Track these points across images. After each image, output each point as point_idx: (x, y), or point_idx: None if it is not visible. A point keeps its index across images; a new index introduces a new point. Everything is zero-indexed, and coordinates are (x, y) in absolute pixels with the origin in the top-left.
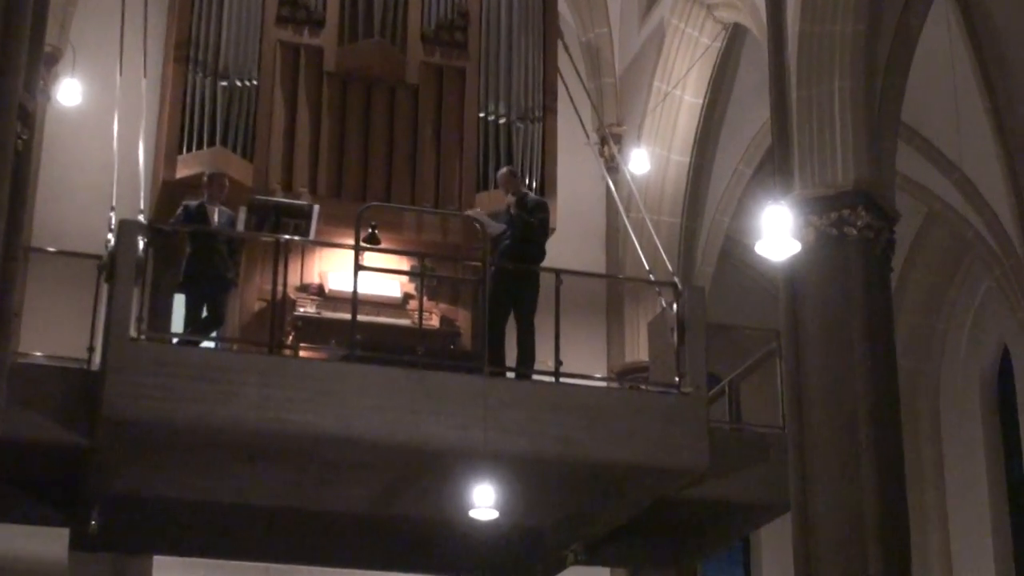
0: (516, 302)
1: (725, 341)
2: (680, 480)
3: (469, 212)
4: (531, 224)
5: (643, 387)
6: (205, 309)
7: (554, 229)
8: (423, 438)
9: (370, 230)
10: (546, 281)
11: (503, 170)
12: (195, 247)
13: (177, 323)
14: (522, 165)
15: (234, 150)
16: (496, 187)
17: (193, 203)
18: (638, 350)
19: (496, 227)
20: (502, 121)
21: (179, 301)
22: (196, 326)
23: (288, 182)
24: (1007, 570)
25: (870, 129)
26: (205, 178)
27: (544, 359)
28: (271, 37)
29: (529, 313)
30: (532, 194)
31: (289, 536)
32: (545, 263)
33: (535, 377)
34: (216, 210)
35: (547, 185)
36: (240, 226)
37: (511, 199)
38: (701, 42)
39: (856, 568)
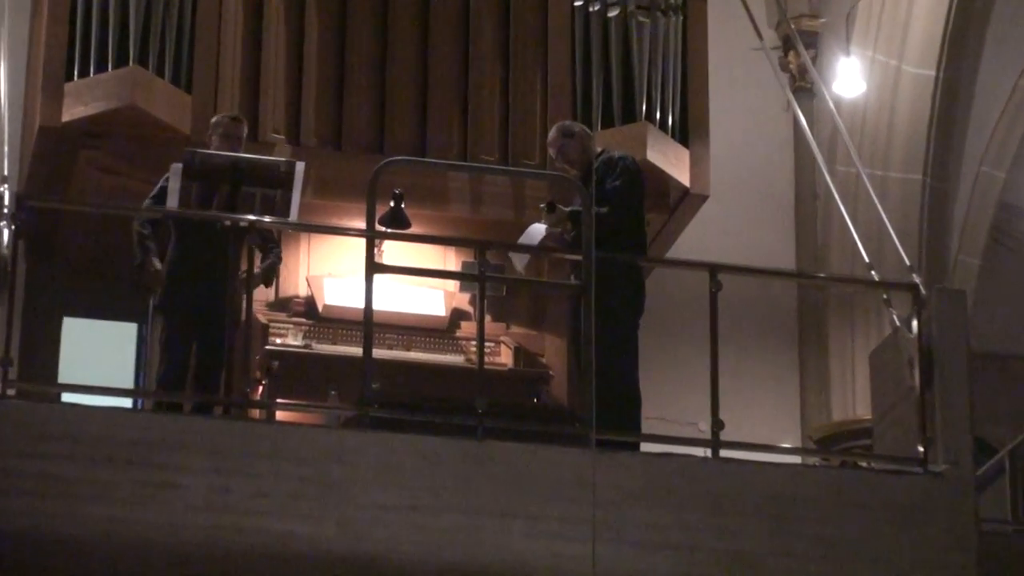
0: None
1: (1003, 382)
2: None
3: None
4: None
5: (863, 464)
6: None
7: (705, 197)
8: (490, 557)
9: (393, 204)
10: (695, 282)
11: (552, 130)
12: (184, 236)
13: (115, 370)
14: (648, 88)
15: (159, 72)
16: (617, 123)
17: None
18: (853, 400)
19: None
20: (613, 13)
21: (97, 331)
22: (170, 376)
23: (252, 124)
24: None
25: None
26: (214, 121)
27: (694, 417)
28: None
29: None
30: (613, 153)
31: None
32: (694, 254)
33: (679, 450)
34: None
35: (692, 122)
36: (170, 200)
37: (573, 175)
38: None
39: None
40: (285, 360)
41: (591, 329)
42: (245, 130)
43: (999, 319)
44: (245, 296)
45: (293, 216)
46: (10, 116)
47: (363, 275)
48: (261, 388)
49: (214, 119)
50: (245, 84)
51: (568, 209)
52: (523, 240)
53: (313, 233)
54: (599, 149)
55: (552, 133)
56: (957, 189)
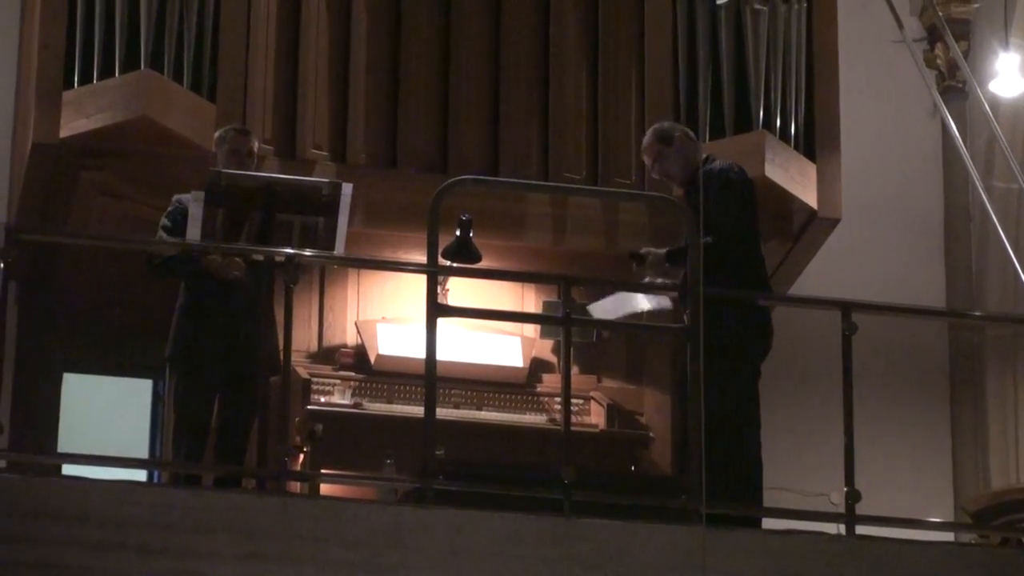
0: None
1: None
2: None
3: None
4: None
5: None
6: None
7: (836, 220)
8: None
9: (459, 232)
10: (825, 323)
11: (647, 135)
12: (203, 273)
13: (126, 437)
14: (767, 90)
15: (177, 77)
16: (728, 132)
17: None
18: (1016, 464)
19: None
20: (723, 1)
21: (103, 390)
22: (192, 443)
23: (288, 139)
24: None
25: None
26: (218, 135)
27: (824, 487)
28: None
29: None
30: (715, 163)
31: None
32: (823, 290)
33: (807, 527)
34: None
35: (819, 131)
36: (191, 229)
37: (676, 192)
38: None
39: None
40: (331, 422)
41: (699, 381)
42: (256, 143)
43: None
44: (283, 350)
45: (339, 249)
46: None
47: (423, 319)
48: (302, 457)
49: (217, 133)
50: (281, 90)
51: (664, 251)
52: (607, 313)
53: (363, 269)
54: (704, 155)
55: (647, 138)
56: None
